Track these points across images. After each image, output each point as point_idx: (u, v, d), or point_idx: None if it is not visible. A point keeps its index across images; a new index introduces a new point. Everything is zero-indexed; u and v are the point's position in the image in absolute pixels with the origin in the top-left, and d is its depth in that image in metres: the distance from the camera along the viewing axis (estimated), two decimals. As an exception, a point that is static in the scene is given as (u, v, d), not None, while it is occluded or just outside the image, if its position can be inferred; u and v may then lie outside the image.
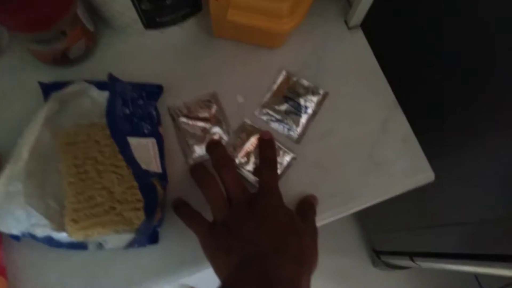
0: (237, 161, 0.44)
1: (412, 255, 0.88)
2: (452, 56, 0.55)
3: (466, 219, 0.68)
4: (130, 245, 0.38)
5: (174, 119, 0.45)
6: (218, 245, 0.35)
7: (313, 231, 0.38)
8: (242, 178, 0.43)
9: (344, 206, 0.43)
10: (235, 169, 0.41)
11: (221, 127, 0.45)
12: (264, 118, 0.46)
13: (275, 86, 0.47)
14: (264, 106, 0.46)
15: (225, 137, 0.45)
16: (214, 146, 0.41)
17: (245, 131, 0.45)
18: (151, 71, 0.46)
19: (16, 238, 0.38)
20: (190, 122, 0.45)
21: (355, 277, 1.13)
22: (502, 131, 0.50)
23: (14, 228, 0.37)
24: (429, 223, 0.81)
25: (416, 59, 0.65)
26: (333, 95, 0.47)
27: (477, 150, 0.57)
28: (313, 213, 0.41)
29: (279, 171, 0.43)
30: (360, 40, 0.48)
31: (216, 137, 0.44)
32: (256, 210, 0.35)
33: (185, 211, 0.40)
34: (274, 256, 0.31)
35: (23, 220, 0.38)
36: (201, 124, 0.45)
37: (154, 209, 0.35)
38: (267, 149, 0.42)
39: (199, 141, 0.44)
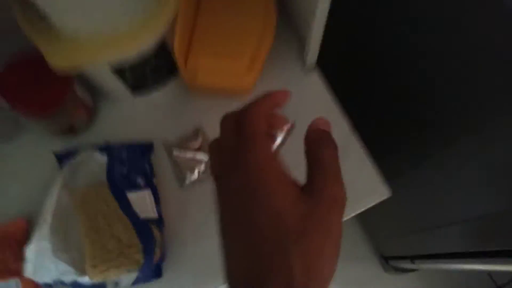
0: None
1: (414, 258, 0.92)
2: (412, 79, 0.61)
3: (465, 216, 0.71)
4: (136, 282, 0.46)
5: (168, 152, 0.54)
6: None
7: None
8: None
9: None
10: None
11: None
12: None
13: None
14: None
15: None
16: None
17: None
18: (143, 129, 0.55)
19: (49, 286, 0.46)
20: (181, 153, 0.54)
21: (368, 284, 1.17)
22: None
23: (47, 277, 0.46)
24: (428, 225, 0.85)
25: (378, 87, 0.72)
26: (297, 128, 0.54)
27: (467, 146, 0.60)
28: (331, 152, 0.24)
29: None
30: (317, 77, 0.56)
31: (202, 165, 0.53)
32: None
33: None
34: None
35: (53, 270, 0.46)
36: (190, 154, 0.54)
37: (152, 250, 0.43)
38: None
39: (191, 168, 0.53)
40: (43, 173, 0.54)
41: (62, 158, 0.53)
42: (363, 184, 0.50)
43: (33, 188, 0.53)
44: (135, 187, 0.48)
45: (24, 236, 0.52)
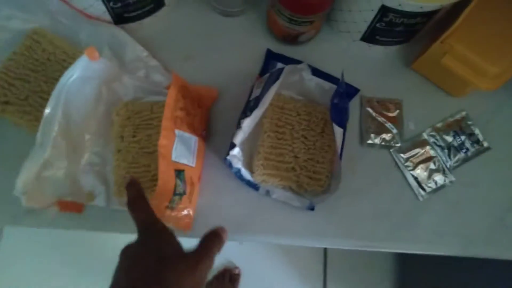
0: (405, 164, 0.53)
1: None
2: None
3: None
4: (293, 203, 0.49)
5: (362, 106, 0.55)
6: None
7: None
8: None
9: (462, 249, 0.50)
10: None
11: (396, 128, 0.54)
12: (430, 139, 0.55)
13: (450, 120, 0.55)
14: (435, 129, 0.55)
15: (397, 138, 0.54)
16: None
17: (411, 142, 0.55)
18: (349, 75, 0.53)
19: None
20: (373, 113, 0.54)
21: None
22: None
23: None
24: None
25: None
26: (493, 151, 0.54)
27: None
28: (214, 244, 0.34)
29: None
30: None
31: (388, 134, 0.54)
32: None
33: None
34: None
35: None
36: (381, 119, 0.54)
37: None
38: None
39: (375, 131, 0.54)
40: (246, 60, 0.56)
41: (272, 57, 0.54)
42: None
43: (230, 69, 0.55)
44: (340, 123, 0.48)
45: (211, 103, 0.54)
